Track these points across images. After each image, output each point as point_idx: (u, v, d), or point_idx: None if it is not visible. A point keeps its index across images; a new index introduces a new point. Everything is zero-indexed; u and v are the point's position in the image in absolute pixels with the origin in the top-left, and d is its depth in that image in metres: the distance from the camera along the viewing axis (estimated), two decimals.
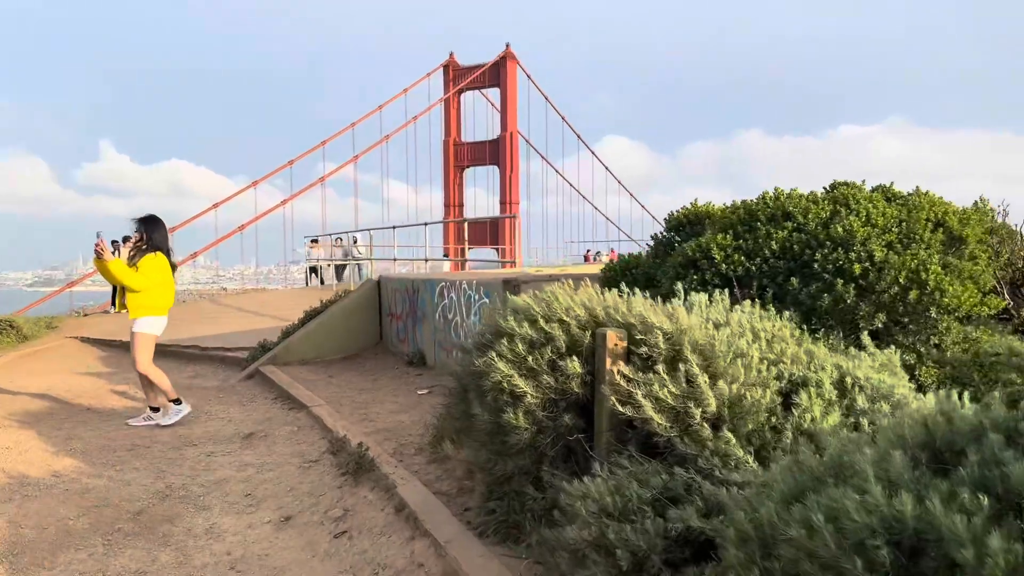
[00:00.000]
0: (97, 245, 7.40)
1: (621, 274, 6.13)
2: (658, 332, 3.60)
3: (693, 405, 3.36)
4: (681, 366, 3.53)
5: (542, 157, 66.94)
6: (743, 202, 5.48)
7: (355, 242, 24.23)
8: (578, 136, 67.81)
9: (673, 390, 3.39)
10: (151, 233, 7.62)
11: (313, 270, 24.99)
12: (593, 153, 68.21)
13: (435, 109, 65.94)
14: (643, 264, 6.14)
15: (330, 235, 25.40)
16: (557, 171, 66.78)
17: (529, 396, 3.80)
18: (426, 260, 14.00)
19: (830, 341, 4.57)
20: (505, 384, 3.88)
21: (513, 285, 7.07)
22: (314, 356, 10.22)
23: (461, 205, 68.48)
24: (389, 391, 8.26)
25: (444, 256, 25.70)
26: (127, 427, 7.51)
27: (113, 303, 22.52)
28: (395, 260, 16.44)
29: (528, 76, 66.39)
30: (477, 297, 7.84)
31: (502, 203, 66.26)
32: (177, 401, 7.80)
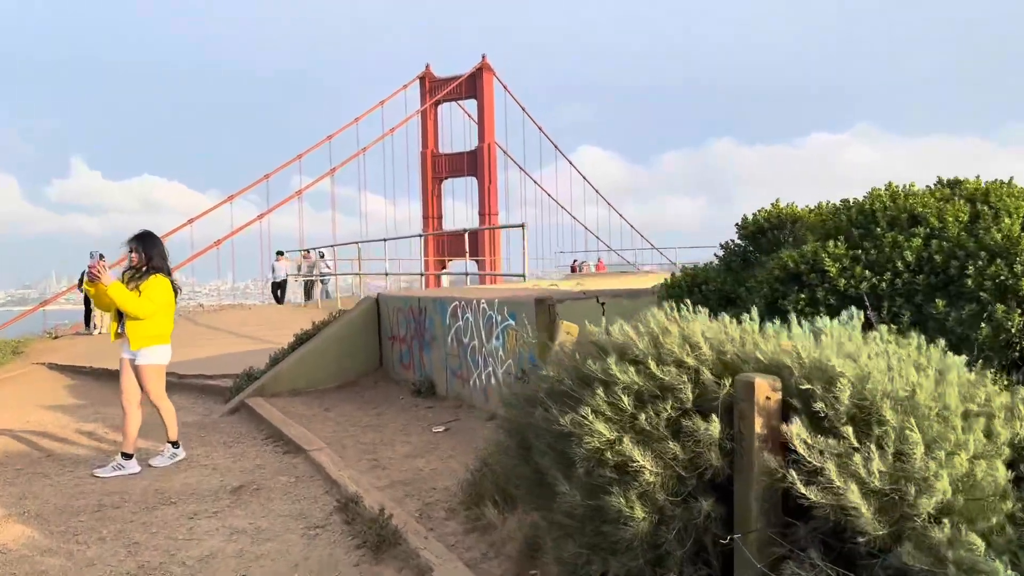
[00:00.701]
0: (93, 267, 6.29)
1: (687, 291, 5.03)
2: (841, 380, 2.49)
3: (913, 490, 2.26)
4: (875, 429, 2.43)
5: (520, 168, 65.99)
6: (853, 201, 4.40)
7: (322, 256, 22.66)
8: (555, 147, 66.96)
9: (881, 467, 2.29)
10: (150, 252, 6.52)
11: (279, 286, 22.96)
12: (571, 163, 67.40)
13: (412, 121, 64.87)
14: (714, 278, 5.04)
15: (302, 249, 23.90)
16: (535, 182, 65.85)
17: (647, 472, 2.68)
18: (422, 275, 12.86)
19: (997, 381, 3.50)
20: (609, 454, 2.75)
21: (548, 305, 5.95)
22: (306, 385, 9.01)
23: (440, 217, 67.30)
24: (398, 428, 7.09)
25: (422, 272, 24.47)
26: (93, 478, 6.28)
27: (87, 323, 20.94)
28: (386, 275, 15.27)
29: (504, 87, 65.49)
30: (500, 318, 6.71)
31: (481, 214, 65.18)
32: (176, 444, 6.71)
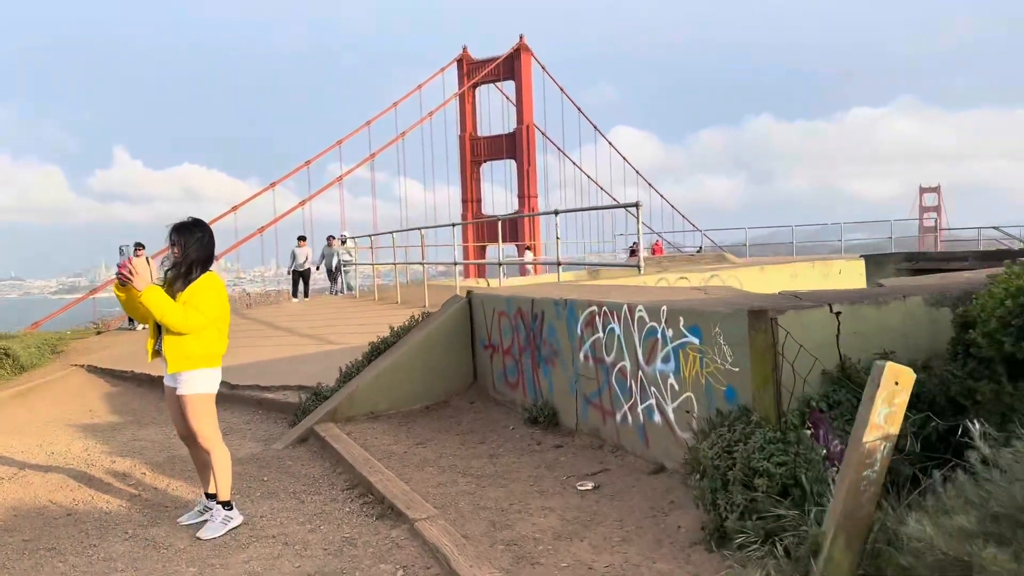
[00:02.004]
0: (122, 267, 4.47)
1: None
2: None
3: None
4: None
5: (559, 149, 63.67)
6: None
7: (343, 242, 20.20)
8: (595, 127, 64.63)
9: None
10: (187, 242, 4.69)
11: (301, 276, 19.74)
12: (611, 145, 64.98)
13: (450, 105, 62.84)
14: None
15: (338, 234, 21.10)
16: (575, 164, 63.51)
17: None
18: (500, 263, 10.84)
19: None
20: None
21: (770, 319, 3.91)
22: (387, 407, 7.09)
23: (479, 200, 65.35)
24: (526, 480, 5.11)
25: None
26: (113, 562, 4.40)
27: (131, 319, 19.26)
28: (436, 264, 13.38)
29: (543, 67, 63.10)
30: (671, 333, 4.69)
31: (520, 197, 63.08)
32: (227, 505, 4.85)
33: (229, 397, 9.38)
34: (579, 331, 5.68)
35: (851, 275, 10.95)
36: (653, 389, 4.91)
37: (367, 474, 5.37)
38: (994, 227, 24.60)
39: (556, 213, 9.79)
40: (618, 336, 5.22)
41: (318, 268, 20.50)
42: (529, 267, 26.44)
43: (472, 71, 64.08)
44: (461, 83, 63.89)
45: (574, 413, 5.84)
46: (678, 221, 58.67)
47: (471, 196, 64.47)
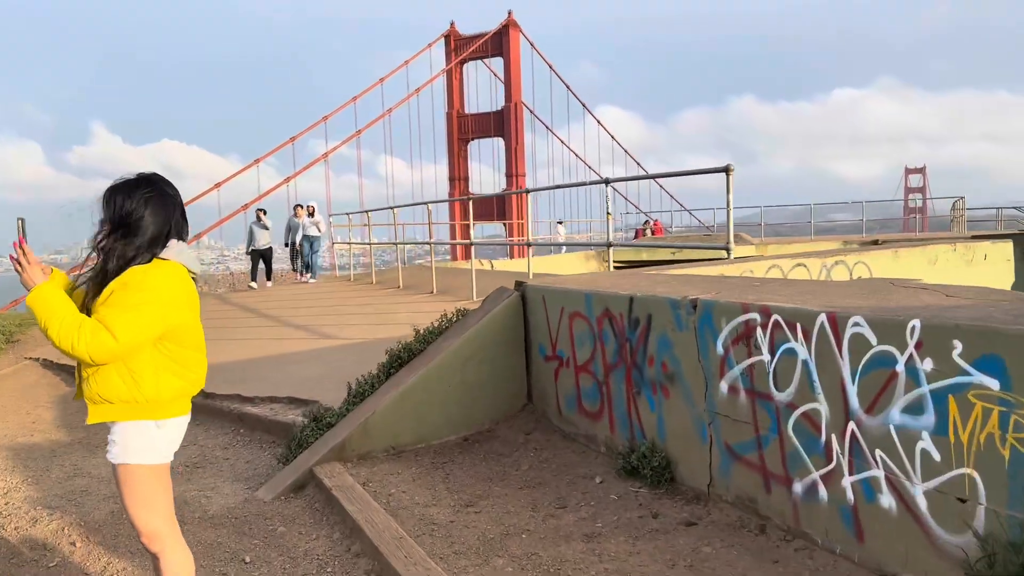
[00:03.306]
0: (16, 247, 2.33)
1: None
2: None
3: None
4: None
5: (547, 128, 61.44)
6: None
7: (311, 213, 16.50)
8: (584, 106, 62.38)
9: None
10: (114, 218, 2.56)
11: (262, 257, 15.93)
12: (600, 123, 62.81)
13: (437, 82, 60.31)
14: None
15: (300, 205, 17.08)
16: (563, 143, 61.34)
17: None
18: (528, 245, 8.74)
19: None
20: None
21: None
22: (413, 439, 5.05)
23: (466, 179, 63.01)
24: None
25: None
26: None
27: None
28: (429, 244, 11.29)
29: (531, 44, 60.64)
30: (931, 367, 2.70)
31: (508, 176, 60.87)
32: None
33: (203, 409, 7.33)
34: (721, 348, 3.66)
35: (997, 260, 9.06)
36: (881, 454, 2.92)
37: (403, 570, 3.36)
38: (1015, 207, 22.86)
39: (607, 182, 7.76)
40: (803, 362, 3.22)
41: (286, 244, 16.96)
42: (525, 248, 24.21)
43: (460, 47, 61.46)
44: (448, 59, 61.29)
45: (706, 468, 3.84)
46: (666, 201, 56.70)
47: (458, 174, 62.08)
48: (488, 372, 5.25)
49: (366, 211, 15.26)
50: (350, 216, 16.59)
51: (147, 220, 2.56)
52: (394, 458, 4.95)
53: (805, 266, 6.26)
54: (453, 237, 53.92)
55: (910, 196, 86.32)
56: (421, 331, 5.52)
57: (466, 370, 5.19)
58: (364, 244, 17.32)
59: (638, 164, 61.62)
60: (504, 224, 52.89)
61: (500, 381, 5.31)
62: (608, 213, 7.40)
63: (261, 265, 16.06)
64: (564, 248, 19.50)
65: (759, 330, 3.43)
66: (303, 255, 16.57)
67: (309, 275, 16.64)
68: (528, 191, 9.66)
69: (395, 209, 13.29)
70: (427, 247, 13.17)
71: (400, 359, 5.37)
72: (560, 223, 29.36)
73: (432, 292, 11.42)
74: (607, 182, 7.62)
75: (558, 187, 12.05)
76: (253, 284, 15.78)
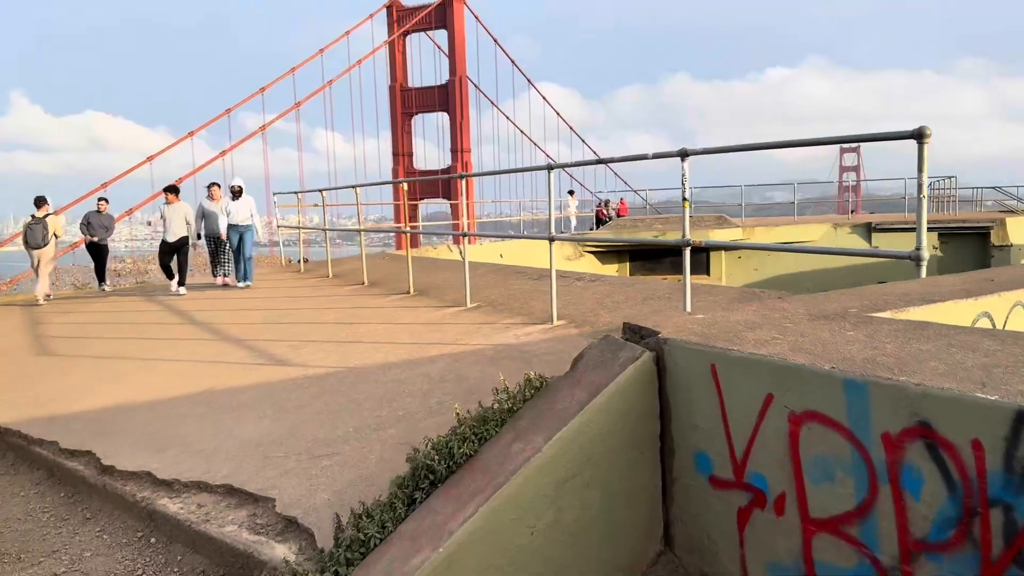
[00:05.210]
0: None
1: None
2: None
3: None
4: None
5: (493, 104, 58.49)
6: None
7: (236, 194, 11.26)
8: (529, 81, 59.47)
9: None
10: None
11: (173, 250, 11.17)
12: (545, 99, 60.10)
13: (380, 54, 56.58)
14: None
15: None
16: (509, 118, 58.47)
17: None
18: (551, 239, 6.21)
19: None
20: None
21: None
22: None
23: (410, 154, 59.60)
24: None
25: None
26: None
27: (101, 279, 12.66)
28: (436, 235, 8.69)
29: (476, 16, 57.35)
30: None
31: (453, 151, 57.76)
32: None
33: (98, 493, 4.68)
34: None
35: None
36: None
37: None
38: (994, 187, 21.29)
39: (646, 157, 5.27)
40: None
41: (199, 236, 11.60)
42: (478, 238, 21.54)
43: (403, 18, 57.72)
44: (391, 31, 57.53)
45: None
46: (610, 180, 54.60)
47: (402, 150, 58.63)
48: (599, 503, 2.76)
49: (320, 190, 12.36)
50: (299, 195, 13.44)
51: None
52: None
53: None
54: (397, 218, 50.69)
55: (844, 174, 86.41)
56: (465, 414, 2.95)
57: (562, 501, 2.68)
58: (293, 228, 14.48)
59: (583, 141, 59.47)
60: (450, 203, 50.15)
61: (617, 516, 2.81)
62: (685, 199, 4.91)
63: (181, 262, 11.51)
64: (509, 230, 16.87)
65: None
66: (228, 251, 11.63)
67: (241, 281, 11.44)
68: (495, 172, 7.08)
69: (301, 194, 10.40)
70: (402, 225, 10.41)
71: (430, 474, 2.81)
72: (571, 193, 26.10)
73: (409, 292, 8.79)
74: (604, 162, 5.27)
75: (521, 170, 9.54)
76: (173, 288, 11.26)
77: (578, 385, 2.81)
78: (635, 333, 3.03)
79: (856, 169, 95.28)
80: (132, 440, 5.08)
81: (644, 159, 4.89)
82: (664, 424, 2.93)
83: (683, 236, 4.72)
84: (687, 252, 4.78)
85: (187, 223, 11.20)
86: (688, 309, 4.79)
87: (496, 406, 2.94)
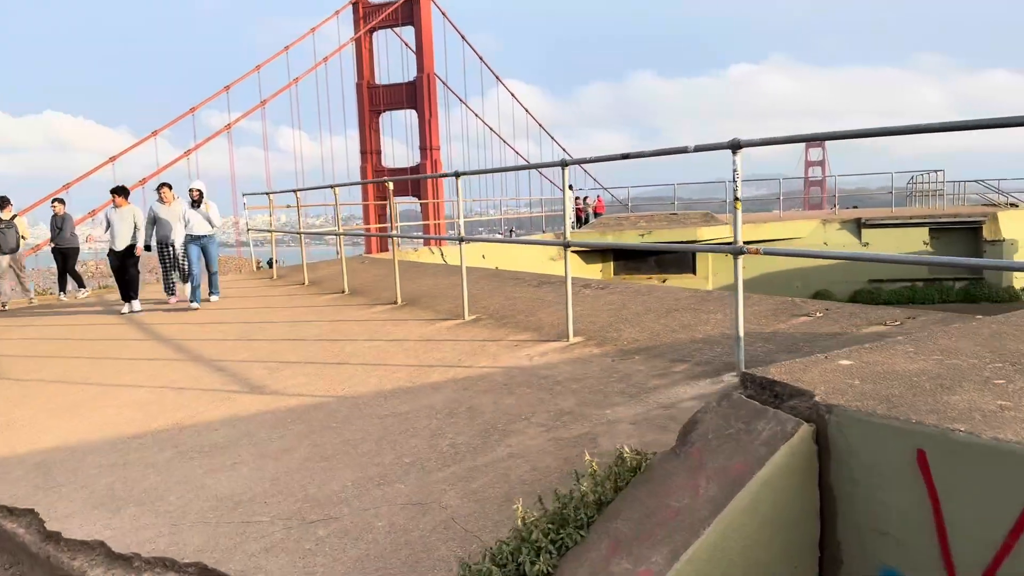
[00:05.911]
0: None
1: None
2: None
3: None
4: None
5: (461, 101, 57.50)
6: None
7: (196, 201, 9.71)
8: (497, 77, 58.63)
9: None
10: None
11: (121, 263, 9.72)
12: (514, 96, 59.34)
13: (346, 52, 55.29)
14: None
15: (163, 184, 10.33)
16: (478, 116, 57.67)
17: None
18: (567, 246, 5.43)
19: None
20: None
21: None
22: None
23: (379, 152, 58.32)
24: None
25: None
26: None
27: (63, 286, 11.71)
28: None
29: (443, 13, 56.30)
30: None
31: (422, 149, 56.64)
32: None
33: (35, 562, 3.79)
34: None
35: None
36: None
37: None
38: (976, 180, 20.99)
39: (687, 150, 4.57)
40: None
41: (148, 247, 9.86)
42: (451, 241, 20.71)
43: (369, 15, 56.42)
44: (357, 27, 56.19)
45: None
46: (580, 177, 54.05)
47: (371, 148, 57.35)
48: None
49: (294, 190, 11.43)
50: (271, 195, 12.39)
51: None
52: None
53: None
54: (367, 217, 49.42)
55: (810, 169, 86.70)
56: (535, 517, 2.16)
57: None
58: (265, 231, 13.58)
59: (552, 139, 58.82)
60: (420, 202, 49.20)
61: None
62: (737, 199, 4.19)
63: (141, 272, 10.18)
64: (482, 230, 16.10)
65: None
66: (185, 264, 9.95)
67: (210, 294, 10.20)
68: (486, 171, 6.33)
69: (272, 195, 9.50)
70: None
71: None
72: (571, 187, 25.10)
73: (396, 303, 7.97)
74: (626, 157, 4.54)
75: (535, 166, 8.79)
76: (124, 307, 9.80)
77: (701, 472, 2.01)
78: (765, 390, 2.24)
79: (822, 163, 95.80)
80: (84, 495, 4.22)
81: (684, 152, 4.15)
82: (824, 526, 2.14)
83: (735, 241, 4.00)
84: (739, 261, 4.06)
85: (136, 228, 9.68)
86: (741, 332, 4.06)
87: (577, 494, 2.12)
